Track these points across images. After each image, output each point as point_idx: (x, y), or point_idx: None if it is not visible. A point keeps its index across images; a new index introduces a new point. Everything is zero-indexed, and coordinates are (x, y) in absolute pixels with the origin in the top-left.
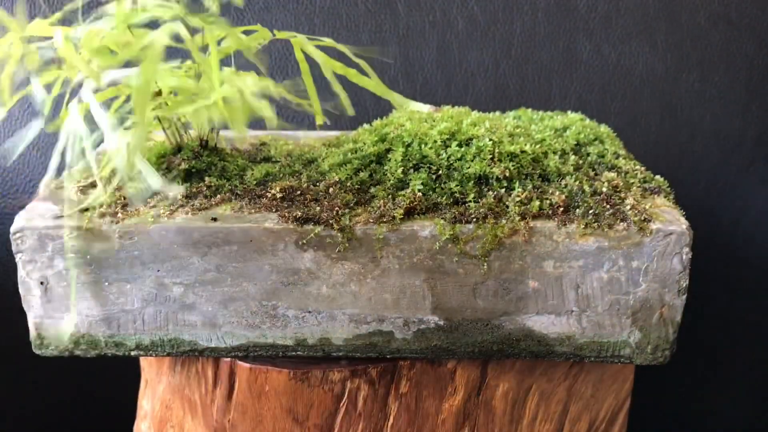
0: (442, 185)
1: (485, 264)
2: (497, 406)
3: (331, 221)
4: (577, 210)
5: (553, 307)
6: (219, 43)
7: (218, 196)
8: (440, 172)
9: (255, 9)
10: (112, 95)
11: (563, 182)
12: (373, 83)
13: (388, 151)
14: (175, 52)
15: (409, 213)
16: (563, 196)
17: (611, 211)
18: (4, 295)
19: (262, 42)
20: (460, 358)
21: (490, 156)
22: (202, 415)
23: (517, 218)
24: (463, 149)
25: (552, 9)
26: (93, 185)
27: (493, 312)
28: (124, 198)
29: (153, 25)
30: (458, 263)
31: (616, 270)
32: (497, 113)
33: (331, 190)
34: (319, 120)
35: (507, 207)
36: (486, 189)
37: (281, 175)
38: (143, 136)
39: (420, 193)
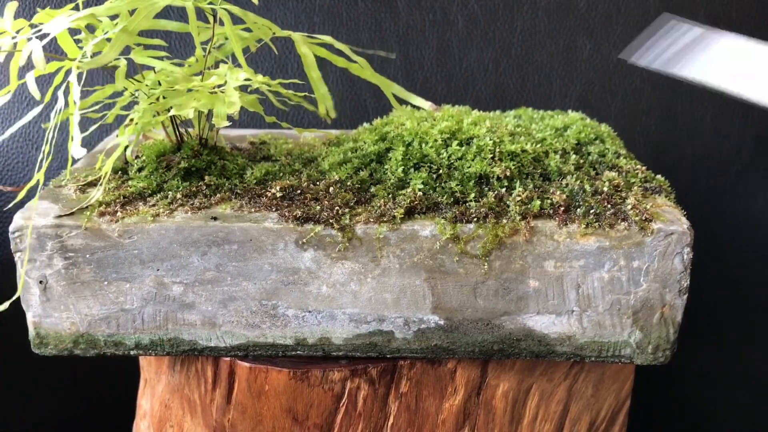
0: (443, 184)
1: (486, 264)
2: (497, 405)
3: (331, 220)
4: (578, 209)
5: (554, 306)
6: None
7: (218, 195)
8: (441, 171)
9: (255, 7)
10: (113, 91)
11: (564, 182)
12: (374, 76)
13: (388, 150)
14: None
15: (410, 212)
16: (564, 196)
17: (612, 210)
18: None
19: (262, 41)
20: (460, 358)
21: (491, 155)
22: (202, 415)
23: (518, 218)
24: (463, 148)
25: (552, 7)
26: (92, 184)
27: (493, 312)
28: (124, 197)
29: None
30: (459, 263)
31: (617, 270)
32: (497, 112)
33: (331, 189)
34: (322, 110)
35: (508, 206)
36: (487, 188)
37: (281, 174)
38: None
39: (420, 193)
